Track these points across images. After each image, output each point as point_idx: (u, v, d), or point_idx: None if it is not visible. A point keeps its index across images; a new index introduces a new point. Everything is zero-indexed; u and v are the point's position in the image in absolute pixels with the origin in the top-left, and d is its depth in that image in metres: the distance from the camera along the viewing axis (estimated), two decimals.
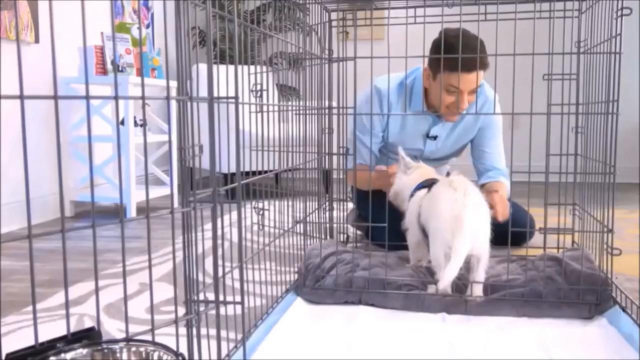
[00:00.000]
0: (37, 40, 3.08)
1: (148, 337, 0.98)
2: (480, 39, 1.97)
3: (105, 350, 0.94)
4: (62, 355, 0.89)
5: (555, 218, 1.78)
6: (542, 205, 1.68)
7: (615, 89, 1.59)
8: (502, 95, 2.24)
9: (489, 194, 2.16)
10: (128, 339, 0.95)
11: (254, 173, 1.52)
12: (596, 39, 1.71)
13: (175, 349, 0.96)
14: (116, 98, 0.89)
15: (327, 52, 2.15)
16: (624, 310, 1.57)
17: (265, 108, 1.71)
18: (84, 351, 0.92)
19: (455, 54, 1.81)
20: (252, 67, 2.29)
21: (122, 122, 3.26)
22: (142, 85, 0.98)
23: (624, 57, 1.57)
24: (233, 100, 1.08)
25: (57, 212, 3.28)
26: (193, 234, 1.06)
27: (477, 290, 1.67)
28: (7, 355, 0.84)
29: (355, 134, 1.97)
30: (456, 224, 1.56)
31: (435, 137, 2.36)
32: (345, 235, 2.39)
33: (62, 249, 0.84)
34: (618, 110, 1.60)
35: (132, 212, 3.26)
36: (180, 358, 0.93)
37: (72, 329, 0.94)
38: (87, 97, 0.86)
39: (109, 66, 3.32)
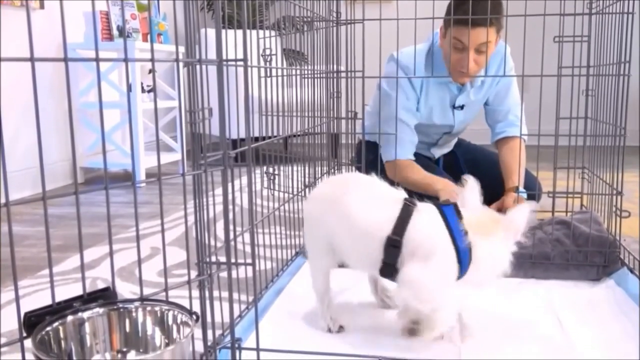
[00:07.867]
0: (42, 6, 3.05)
1: (162, 298, 0.99)
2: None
3: (121, 310, 0.96)
4: (79, 314, 0.91)
5: (565, 182, 1.78)
6: (552, 169, 1.68)
7: (628, 50, 1.57)
8: (512, 57, 2.21)
9: (505, 198, 2.02)
10: (143, 299, 0.97)
11: (262, 138, 1.52)
12: None
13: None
14: (126, 60, 0.89)
15: (334, 14, 2.12)
16: (631, 271, 1.58)
17: (274, 72, 1.70)
18: (100, 310, 0.93)
19: (465, 8, 1.77)
20: (259, 32, 2.28)
21: (130, 88, 3.25)
22: (152, 49, 0.98)
23: (637, 17, 1.55)
24: (242, 63, 1.07)
25: (65, 179, 3.30)
26: (204, 198, 1.06)
27: None
28: (26, 314, 0.86)
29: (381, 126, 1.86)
30: None
31: (462, 107, 2.29)
32: None
33: (72, 214, 0.86)
34: (629, 72, 1.58)
35: (141, 178, 3.28)
36: (194, 316, 0.95)
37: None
38: (97, 60, 0.86)
39: (115, 32, 3.30)
